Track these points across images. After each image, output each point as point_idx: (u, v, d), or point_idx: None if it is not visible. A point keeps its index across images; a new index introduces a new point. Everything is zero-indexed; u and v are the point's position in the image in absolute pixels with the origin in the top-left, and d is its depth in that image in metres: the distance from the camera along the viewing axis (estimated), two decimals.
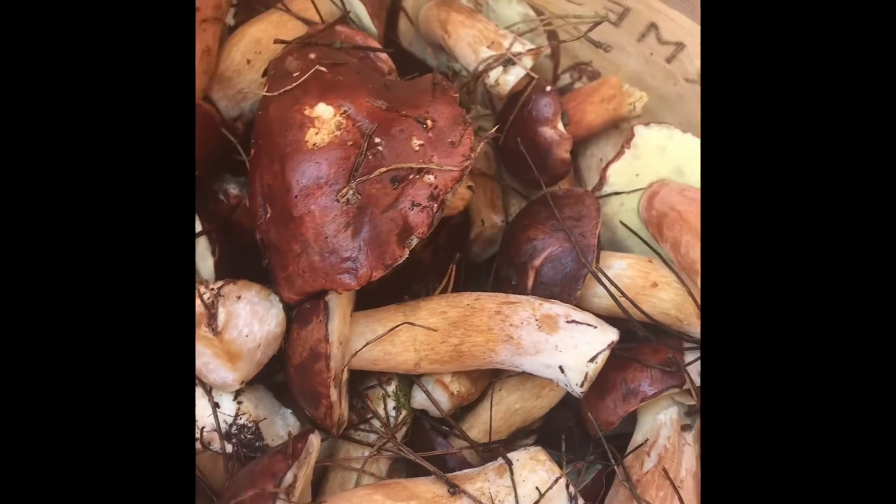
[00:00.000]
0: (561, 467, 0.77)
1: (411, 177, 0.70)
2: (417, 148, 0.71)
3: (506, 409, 0.85)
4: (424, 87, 0.77)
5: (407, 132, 0.72)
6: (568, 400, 0.89)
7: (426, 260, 0.91)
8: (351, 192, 0.69)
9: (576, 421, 0.91)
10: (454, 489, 0.73)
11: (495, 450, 0.80)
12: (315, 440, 0.70)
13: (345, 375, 0.77)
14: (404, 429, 0.82)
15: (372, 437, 0.80)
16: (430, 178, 0.70)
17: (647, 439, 0.84)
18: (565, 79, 1.01)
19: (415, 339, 0.77)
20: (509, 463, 0.74)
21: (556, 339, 0.76)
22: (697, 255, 0.76)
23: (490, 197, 0.95)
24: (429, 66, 1.00)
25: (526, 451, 0.77)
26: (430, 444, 0.82)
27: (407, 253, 0.70)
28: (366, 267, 0.69)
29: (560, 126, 0.86)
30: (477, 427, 0.85)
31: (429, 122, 0.72)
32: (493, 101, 0.97)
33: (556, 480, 0.73)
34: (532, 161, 0.86)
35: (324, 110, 0.71)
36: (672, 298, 0.82)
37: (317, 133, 0.70)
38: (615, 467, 0.82)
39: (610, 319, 0.83)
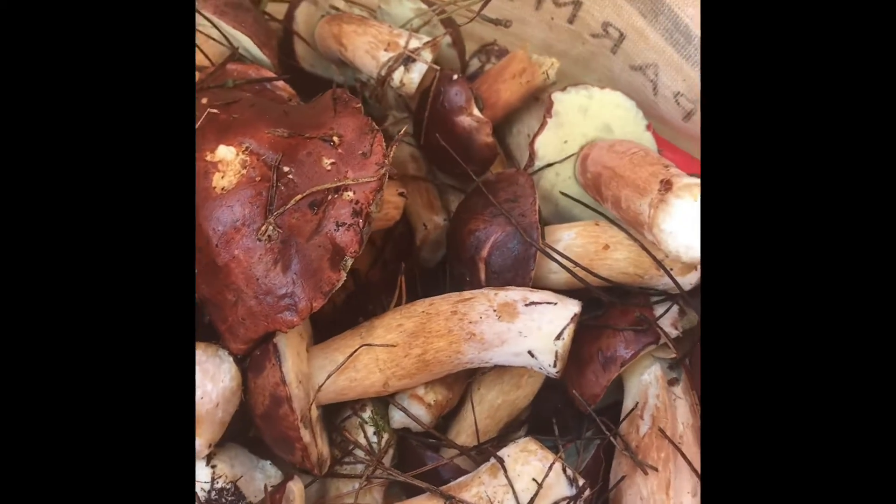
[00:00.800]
0: (557, 452, 0.75)
1: (329, 198, 0.68)
2: (329, 167, 0.69)
3: (489, 406, 0.83)
4: (326, 105, 0.75)
5: (315, 154, 0.69)
6: (550, 382, 0.87)
7: (376, 278, 0.88)
8: (270, 227, 0.67)
9: (563, 401, 0.89)
10: (450, 500, 0.70)
11: (486, 450, 0.78)
12: (295, 486, 0.68)
13: (314, 413, 0.74)
14: (391, 451, 0.80)
15: (360, 468, 0.78)
16: (349, 194, 0.68)
17: (637, 402, 0.82)
18: (475, 64, 0.99)
19: (377, 359, 0.74)
20: (500, 461, 0.72)
21: (519, 325, 0.74)
22: (639, 207, 0.74)
23: (427, 199, 0.93)
24: (338, 83, 0.98)
25: (516, 445, 0.75)
26: (420, 460, 0.80)
27: (343, 275, 0.68)
28: (304, 299, 0.67)
29: (476, 111, 0.84)
30: (464, 432, 0.83)
31: (335, 139, 0.70)
32: (408, 103, 0.95)
33: (550, 467, 0.71)
34: (456, 153, 0.84)
35: (225, 152, 0.68)
36: (627, 256, 0.80)
37: (223, 177, 0.68)
38: (612, 439, 0.80)
39: (571, 292, 0.81)
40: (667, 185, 0.71)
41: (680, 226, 0.70)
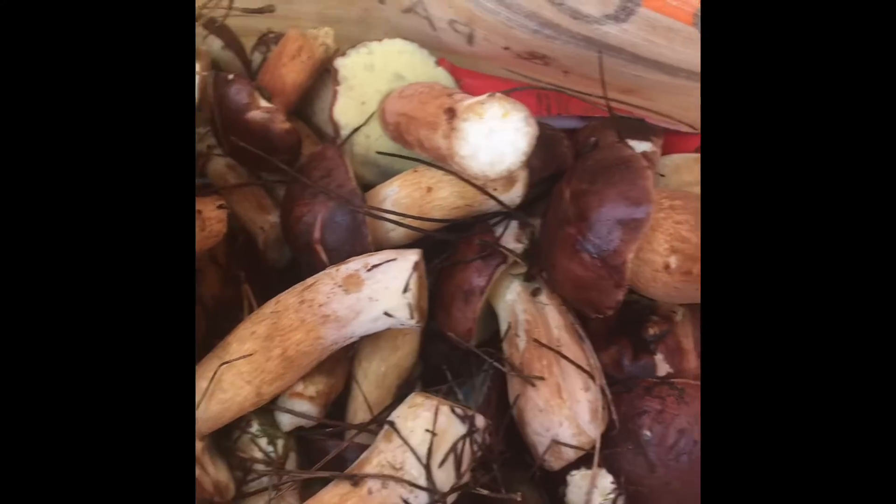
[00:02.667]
0: (456, 397, 0.76)
1: None
2: None
3: (375, 376, 0.84)
4: None
5: None
6: (431, 332, 0.88)
7: (229, 296, 0.88)
8: None
9: (448, 346, 0.90)
10: (353, 479, 0.71)
11: (380, 419, 0.79)
12: None
13: (198, 446, 0.73)
14: (292, 455, 0.80)
15: (267, 481, 0.78)
16: None
17: (510, 322, 0.84)
18: (257, 58, 0.98)
19: (240, 372, 0.74)
20: (390, 424, 0.73)
21: (367, 291, 0.75)
22: (437, 142, 0.75)
23: (256, 202, 0.92)
24: None
25: (404, 403, 0.76)
26: (325, 451, 0.80)
27: None
28: None
29: (263, 103, 0.84)
30: (360, 409, 0.83)
31: None
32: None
33: (436, 412, 0.72)
34: (259, 149, 0.83)
35: None
36: (451, 191, 0.82)
37: None
38: (495, 365, 0.82)
39: (417, 243, 0.82)
40: (451, 113, 0.72)
41: (475, 147, 0.71)
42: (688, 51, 0.75)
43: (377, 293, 0.75)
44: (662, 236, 0.76)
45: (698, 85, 0.82)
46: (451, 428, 0.73)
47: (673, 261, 0.75)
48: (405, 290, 0.74)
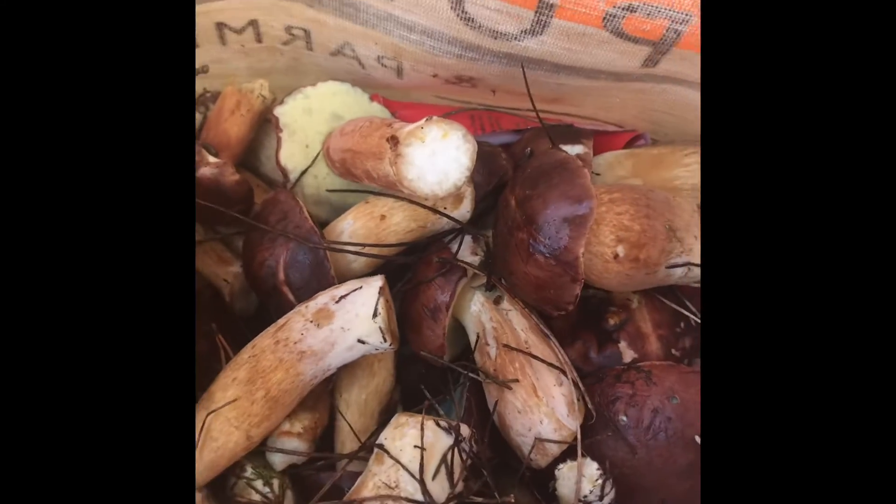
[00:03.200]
0: (436, 413, 0.79)
1: None
2: None
3: (357, 405, 0.86)
4: None
5: None
6: (405, 355, 0.91)
7: (205, 349, 0.89)
8: None
9: (422, 366, 0.93)
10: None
11: (368, 445, 0.81)
12: None
13: (198, 497, 0.74)
14: (289, 493, 0.81)
15: None
16: None
17: (478, 333, 0.87)
18: (198, 118, 1.01)
19: (227, 419, 0.75)
20: (379, 446, 0.75)
21: (338, 322, 0.77)
22: (387, 169, 0.78)
23: (216, 256, 0.94)
24: None
25: (389, 426, 0.78)
26: (320, 484, 0.82)
27: None
28: None
29: (211, 159, 0.86)
30: (348, 439, 0.85)
31: None
32: None
33: (422, 428, 0.75)
34: (214, 203, 0.86)
35: None
36: (403, 216, 0.85)
37: None
38: (471, 375, 0.85)
39: (379, 270, 0.85)
40: (394, 141, 0.76)
41: (420, 170, 0.75)
42: (602, 52, 0.81)
43: (348, 322, 0.77)
44: (607, 228, 0.80)
45: (618, 84, 0.87)
46: (439, 441, 0.76)
47: (620, 250, 0.80)
48: (375, 315, 0.77)
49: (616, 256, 0.80)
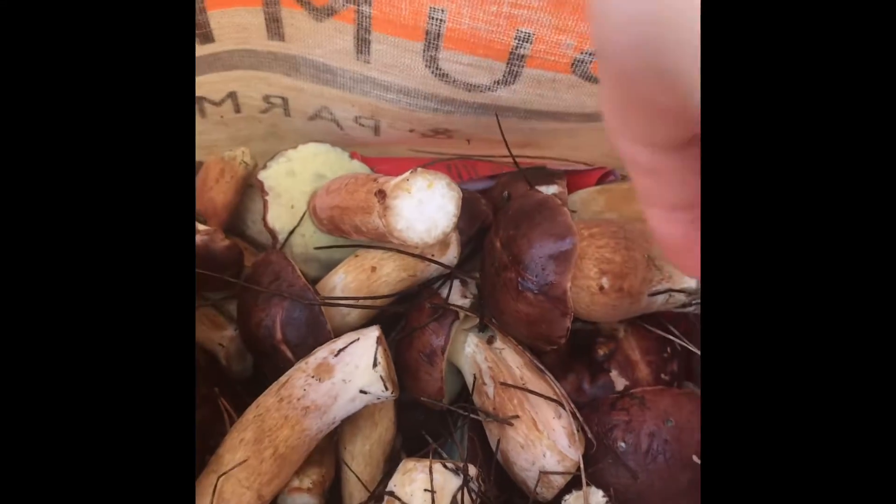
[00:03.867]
0: (440, 457, 0.81)
1: None
2: None
3: (362, 456, 0.87)
4: None
5: None
6: (404, 402, 0.93)
7: (205, 416, 0.90)
8: None
9: (424, 412, 0.95)
10: None
11: (380, 494, 0.82)
12: None
13: None
14: None
15: None
16: None
17: (475, 374, 0.90)
18: None
19: (238, 481, 0.76)
20: (390, 493, 0.77)
21: (339, 375, 0.79)
22: (376, 222, 0.81)
23: (209, 321, 0.96)
24: None
25: (396, 473, 0.79)
26: None
27: None
28: None
29: (200, 227, 0.88)
30: (356, 490, 0.86)
31: None
32: None
33: (431, 471, 0.76)
34: (206, 269, 0.88)
35: None
36: (393, 266, 0.88)
37: None
38: (471, 416, 0.87)
39: (373, 321, 0.87)
40: (382, 195, 0.79)
41: (409, 220, 0.78)
42: (571, 96, 0.86)
43: (349, 374, 0.79)
44: (590, 262, 0.84)
45: (587, 124, 0.92)
46: (448, 483, 0.77)
47: (605, 282, 0.84)
48: (374, 364, 0.79)
49: (601, 288, 0.84)
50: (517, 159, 0.94)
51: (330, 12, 0.81)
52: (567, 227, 0.82)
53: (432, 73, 0.84)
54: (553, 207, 0.85)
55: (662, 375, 0.94)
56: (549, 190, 0.99)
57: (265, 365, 0.90)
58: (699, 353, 0.91)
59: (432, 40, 0.80)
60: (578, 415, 0.85)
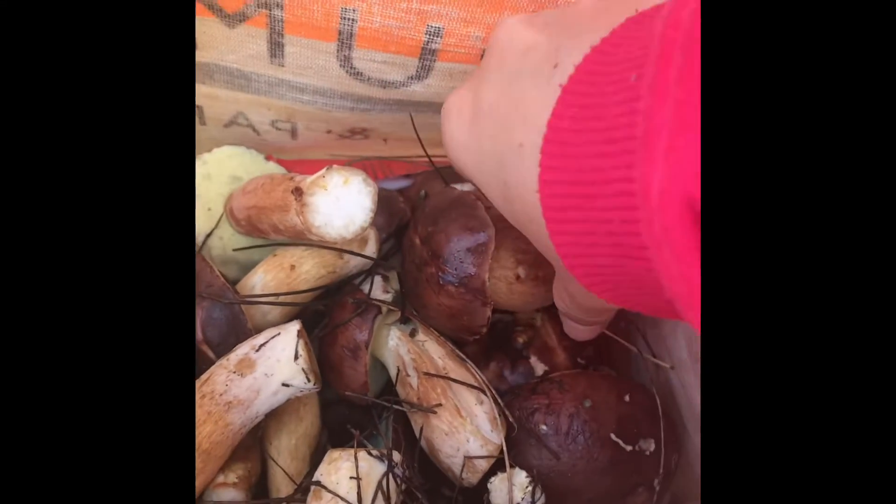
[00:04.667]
0: (364, 447, 0.82)
1: None
2: None
3: (288, 450, 0.87)
4: None
5: None
6: (327, 397, 0.94)
7: None
8: None
9: (347, 406, 0.96)
10: None
11: (304, 486, 0.83)
12: None
13: None
14: None
15: None
16: None
17: (398, 366, 0.91)
18: None
19: None
20: (316, 483, 0.77)
21: (261, 369, 0.80)
22: (294, 220, 0.82)
23: None
24: None
25: (322, 463, 0.80)
26: None
27: None
28: None
29: None
30: (283, 483, 0.86)
31: None
32: None
33: (356, 458, 0.78)
34: None
35: None
36: (312, 263, 0.89)
37: None
38: (396, 407, 0.89)
39: (295, 318, 0.88)
40: (298, 192, 0.81)
41: (327, 216, 0.80)
42: None
43: (271, 368, 0.80)
44: (506, 252, 0.87)
45: None
46: (373, 469, 0.79)
47: (521, 271, 0.87)
48: (296, 357, 0.80)
49: (518, 277, 0.87)
50: (433, 158, 0.96)
51: (242, 18, 0.82)
52: (482, 220, 0.85)
53: (347, 72, 0.86)
54: (468, 202, 0.88)
55: (578, 359, 0.97)
56: (464, 187, 1.02)
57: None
58: (613, 336, 0.95)
59: (345, 40, 0.83)
60: (499, 399, 0.88)
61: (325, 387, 0.89)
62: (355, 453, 0.78)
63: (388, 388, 0.95)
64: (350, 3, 0.79)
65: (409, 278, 0.91)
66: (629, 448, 0.90)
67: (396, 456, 0.80)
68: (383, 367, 0.95)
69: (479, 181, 0.66)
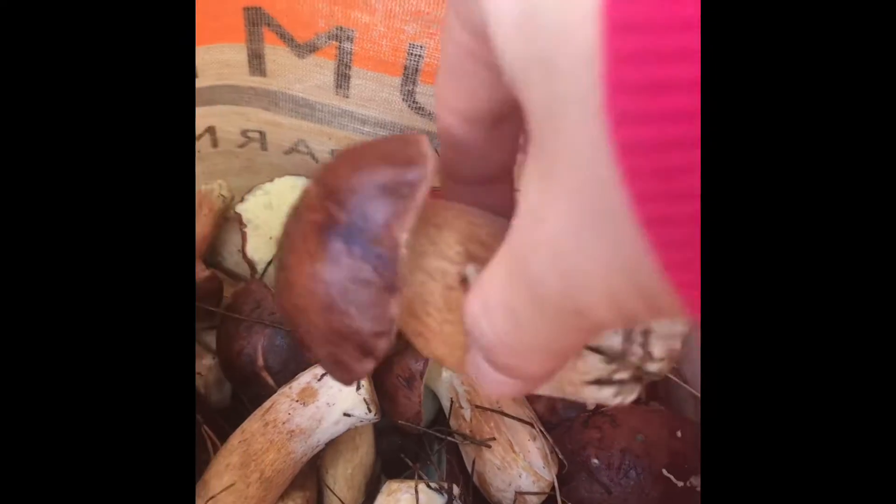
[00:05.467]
0: (419, 478, 0.82)
1: None
2: None
3: (343, 479, 0.88)
4: None
5: None
6: (382, 426, 0.95)
7: None
8: None
9: (401, 436, 0.97)
10: None
11: None
12: None
13: None
14: None
15: None
16: None
17: (451, 398, 0.92)
18: None
19: None
20: None
21: (323, 398, 0.81)
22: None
23: None
24: None
25: (381, 494, 0.81)
26: None
27: None
28: None
29: None
30: None
31: None
32: None
33: (416, 491, 0.79)
34: None
35: None
36: None
37: None
38: (449, 438, 0.90)
39: None
40: None
41: None
42: None
43: (333, 398, 0.81)
44: (452, 234, 0.48)
45: None
46: (432, 502, 0.79)
47: (470, 271, 0.51)
48: (358, 387, 0.81)
49: (463, 281, 0.46)
50: None
51: (312, 49, 0.85)
52: (420, 153, 0.45)
53: (409, 106, 0.88)
54: (410, 137, 0.49)
55: None
56: None
57: (245, 393, 0.91)
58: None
59: (410, 75, 0.84)
60: (548, 437, 0.89)
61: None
62: (416, 485, 0.79)
63: (440, 418, 0.96)
64: (419, 39, 0.81)
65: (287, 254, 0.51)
66: (680, 484, 0.90)
67: (456, 489, 0.81)
68: (434, 397, 0.96)
69: None
